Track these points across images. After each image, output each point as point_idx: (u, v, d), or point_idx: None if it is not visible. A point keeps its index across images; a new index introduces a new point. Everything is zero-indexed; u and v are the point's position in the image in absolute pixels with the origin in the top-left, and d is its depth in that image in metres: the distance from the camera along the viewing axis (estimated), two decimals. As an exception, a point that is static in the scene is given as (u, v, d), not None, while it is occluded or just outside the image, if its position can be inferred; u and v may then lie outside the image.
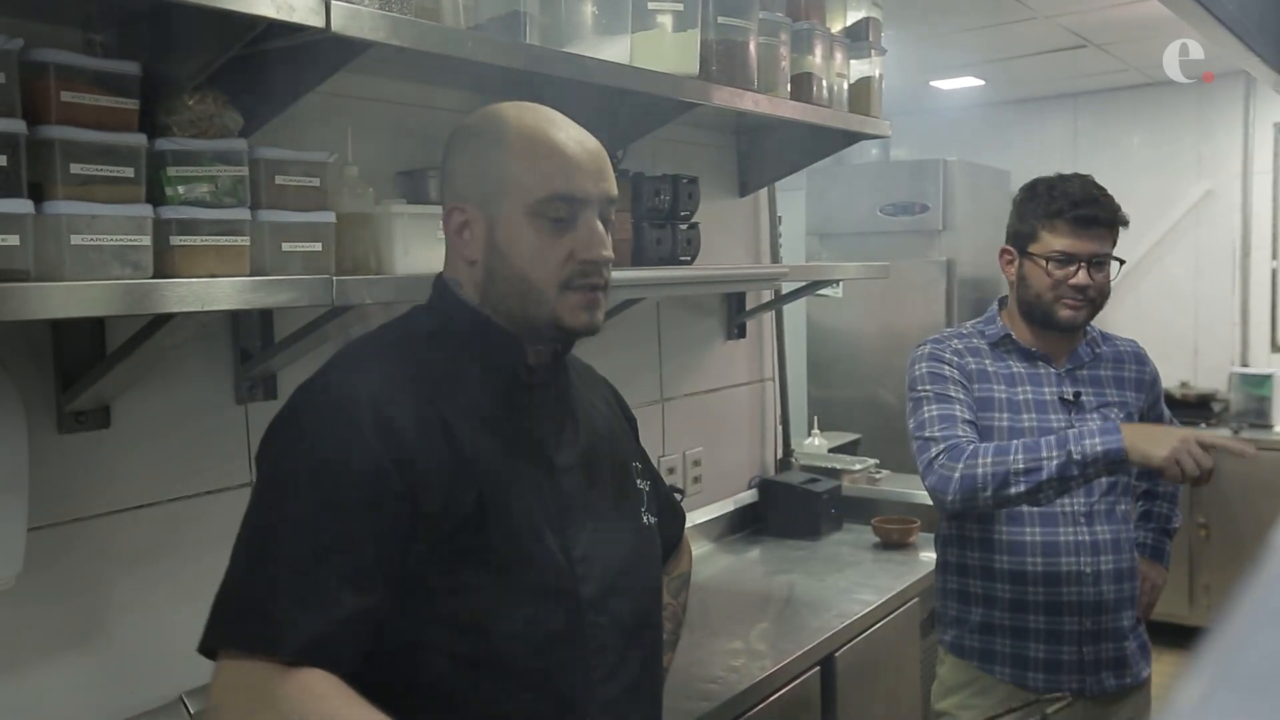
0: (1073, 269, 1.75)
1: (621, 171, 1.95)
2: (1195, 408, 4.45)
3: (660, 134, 1.91)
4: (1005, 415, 1.77)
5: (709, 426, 2.59)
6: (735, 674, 1.83)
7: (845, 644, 2.09)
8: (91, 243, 1.07)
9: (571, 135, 1.11)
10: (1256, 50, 1.97)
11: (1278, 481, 4.11)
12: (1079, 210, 1.75)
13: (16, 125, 1.02)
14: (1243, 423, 4.34)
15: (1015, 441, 1.64)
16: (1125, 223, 1.82)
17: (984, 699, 1.79)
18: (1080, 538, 1.75)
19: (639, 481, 1.24)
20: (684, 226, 1.98)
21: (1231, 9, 1.75)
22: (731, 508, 2.67)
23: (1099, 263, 1.77)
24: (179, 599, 1.46)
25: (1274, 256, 4.63)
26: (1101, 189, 1.83)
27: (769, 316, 2.80)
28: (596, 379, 1.33)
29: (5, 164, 1.00)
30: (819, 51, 2.08)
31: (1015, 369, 1.82)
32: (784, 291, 2.61)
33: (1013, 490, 1.60)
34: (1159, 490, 2.03)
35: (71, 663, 1.36)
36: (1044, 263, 1.76)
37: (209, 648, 0.96)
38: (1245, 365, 4.60)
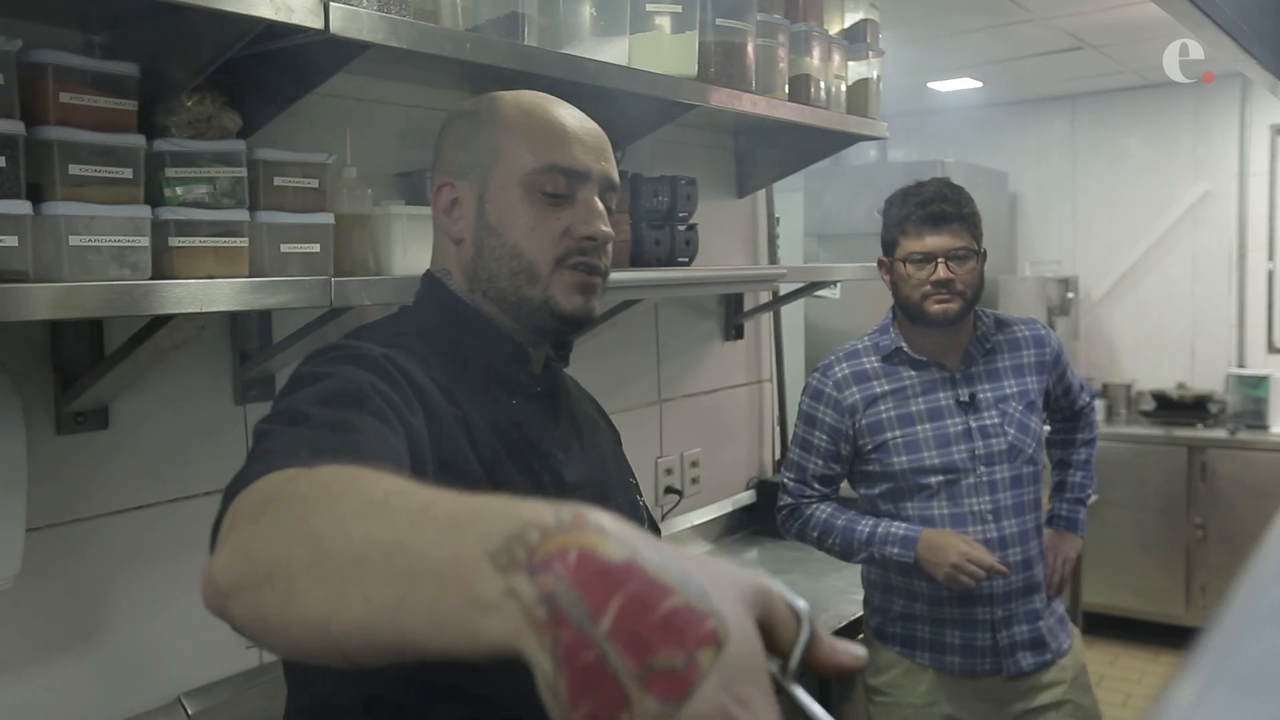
0: (931, 266, 1.83)
1: (620, 173, 1.95)
2: (1192, 409, 4.46)
3: (658, 135, 1.91)
4: (898, 432, 1.86)
5: (707, 427, 2.59)
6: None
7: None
8: (90, 244, 1.07)
9: (572, 112, 1.06)
10: (1252, 53, 1.97)
11: (1274, 482, 4.12)
12: (927, 209, 1.84)
13: (15, 126, 1.02)
14: (1239, 424, 4.35)
15: (839, 523, 1.89)
16: (975, 214, 1.88)
17: (909, 679, 1.91)
18: (988, 535, 1.83)
19: (638, 498, 1.19)
20: (682, 227, 1.98)
21: (1228, 12, 1.75)
22: (729, 508, 2.67)
23: (958, 257, 1.83)
24: (177, 600, 1.46)
25: (1270, 258, 4.64)
26: (953, 187, 1.90)
27: (767, 317, 2.81)
28: (582, 390, 1.27)
29: (4, 165, 1.00)
30: (817, 53, 2.08)
31: (908, 380, 1.90)
32: (782, 293, 2.61)
33: (831, 555, 1.95)
34: (1072, 459, 2.11)
35: (70, 663, 1.36)
36: (905, 265, 1.86)
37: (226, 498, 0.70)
38: (1242, 366, 4.61)
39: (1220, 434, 4.31)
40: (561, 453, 1.05)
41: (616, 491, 1.13)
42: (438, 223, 1.07)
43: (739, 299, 2.63)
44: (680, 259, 1.97)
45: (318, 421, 0.77)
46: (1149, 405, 4.59)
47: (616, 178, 1.08)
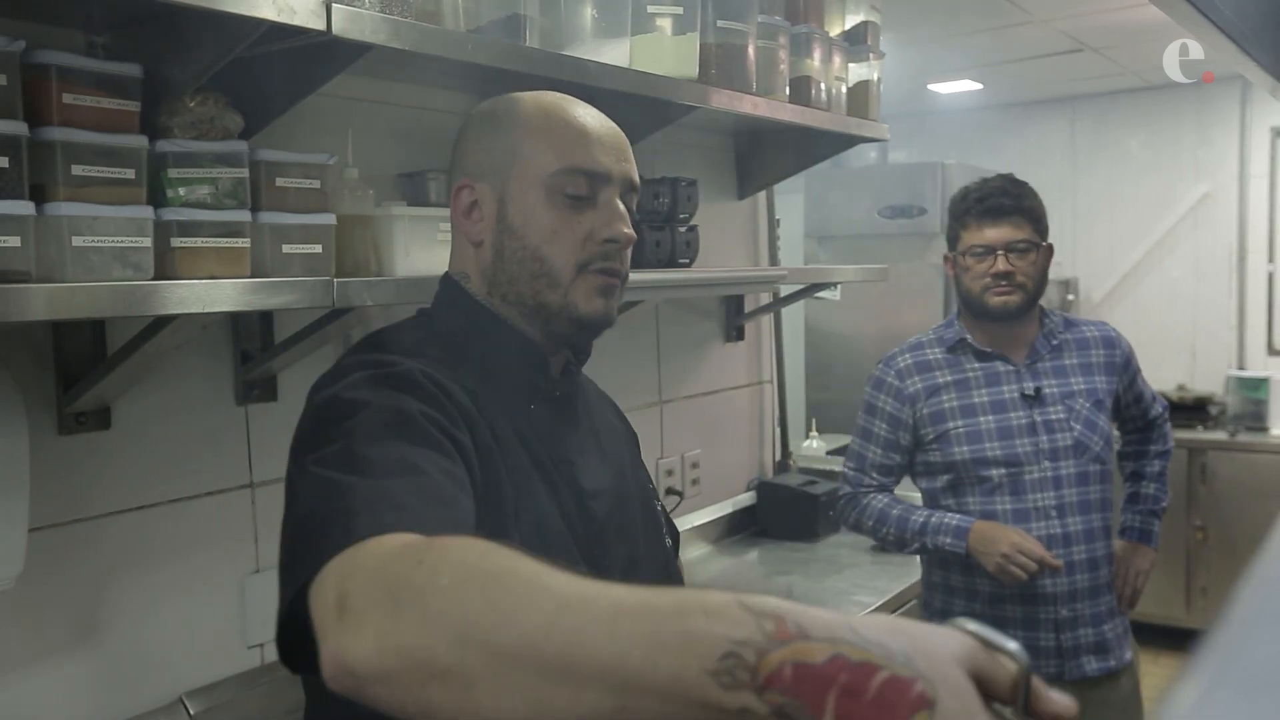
0: (991, 259, 1.84)
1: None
2: (1192, 410, 4.46)
3: (659, 137, 1.91)
4: (960, 422, 1.86)
5: (707, 429, 2.59)
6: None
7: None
8: (92, 244, 1.08)
9: (592, 113, 1.05)
10: (1253, 55, 1.97)
11: (1274, 484, 4.12)
12: (986, 202, 1.86)
13: (18, 127, 1.02)
14: (1239, 425, 4.35)
15: (894, 513, 1.89)
16: (1038, 207, 1.90)
17: None
18: (1052, 531, 1.81)
19: (656, 504, 1.18)
20: (683, 229, 1.98)
21: (1228, 14, 1.75)
22: (730, 510, 2.67)
23: (1018, 249, 1.84)
24: (179, 600, 1.46)
25: (1270, 260, 4.64)
26: (1016, 182, 1.91)
27: (767, 319, 2.81)
28: (601, 393, 1.25)
29: (7, 165, 1.00)
30: (817, 55, 2.09)
31: (971, 372, 1.89)
32: (782, 294, 2.61)
33: (886, 546, 1.98)
34: (1146, 471, 2.08)
35: (72, 663, 1.36)
36: (966, 258, 1.87)
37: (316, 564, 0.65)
38: (1242, 368, 4.61)
39: (1220, 436, 4.31)
40: (579, 459, 1.04)
41: (634, 498, 1.10)
42: (457, 225, 1.05)
43: (739, 300, 2.63)
44: (681, 260, 1.97)
45: (381, 467, 0.74)
46: (1149, 407, 4.59)
47: (637, 179, 1.06)
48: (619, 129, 1.06)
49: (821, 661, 0.49)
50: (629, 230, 1.02)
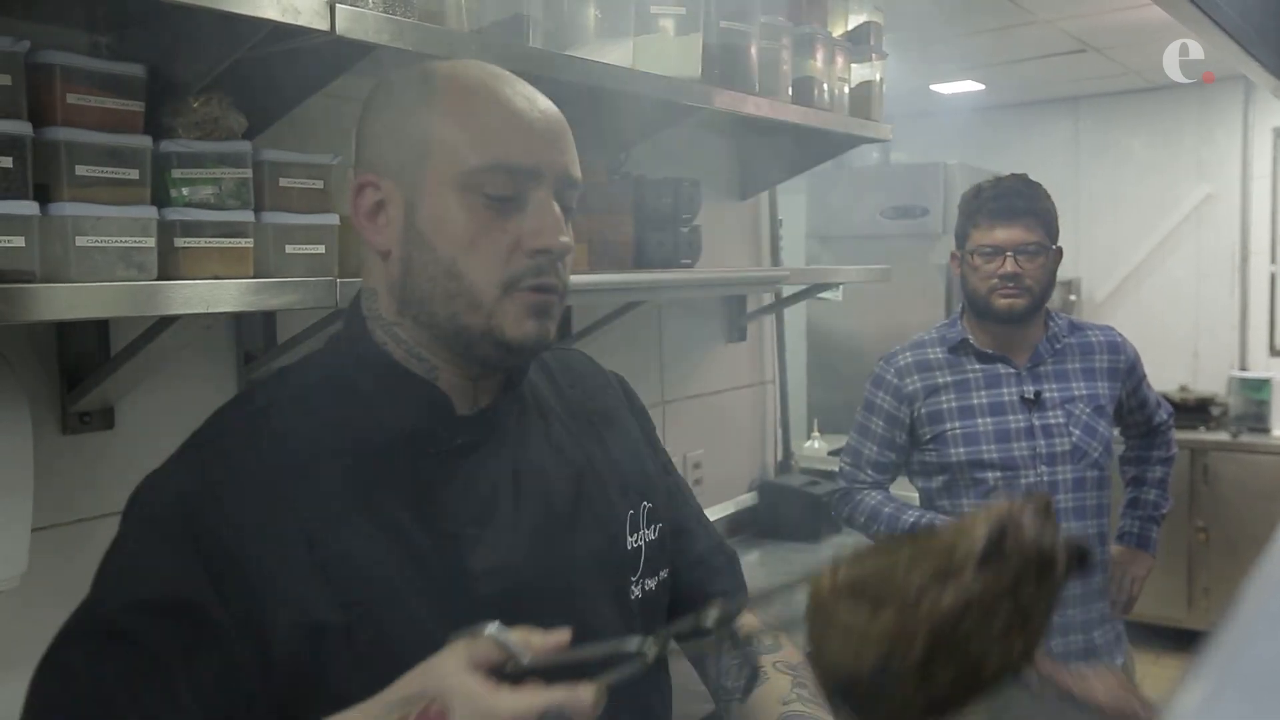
0: (999, 260, 1.82)
1: (623, 174, 1.96)
2: (1194, 411, 4.46)
3: (662, 137, 1.91)
4: (957, 423, 1.85)
5: (709, 429, 2.59)
6: (735, 676, 1.83)
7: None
8: (96, 244, 1.08)
9: (521, 92, 0.85)
10: (1256, 56, 1.97)
11: (1276, 485, 4.12)
12: (998, 202, 1.83)
13: (22, 127, 1.02)
14: (1241, 427, 4.35)
15: (886, 511, 1.89)
16: (1050, 210, 1.88)
17: None
18: None
19: (645, 503, 0.97)
20: (685, 229, 1.98)
21: (1231, 14, 1.75)
22: (732, 510, 2.67)
23: (1028, 252, 1.82)
24: (181, 600, 1.46)
25: (1273, 260, 4.63)
26: (1029, 183, 1.88)
27: (770, 319, 2.81)
28: (596, 386, 1.05)
29: (11, 165, 1.01)
30: (820, 55, 2.09)
31: (972, 373, 1.89)
32: (785, 294, 2.61)
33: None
34: (1147, 476, 2.06)
35: (74, 663, 1.36)
36: (974, 258, 1.85)
37: None
38: (1244, 369, 4.61)
39: (1223, 437, 4.31)
40: (475, 529, 0.84)
41: (564, 547, 0.90)
42: (360, 231, 0.86)
43: (742, 301, 2.63)
44: (683, 261, 1.98)
45: None
46: (1151, 408, 4.59)
47: (577, 170, 0.87)
48: (558, 113, 0.87)
49: None
50: (566, 238, 0.84)
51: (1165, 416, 2.07)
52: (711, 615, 0.74)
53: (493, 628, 0.69)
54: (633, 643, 0.72)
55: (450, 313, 0.83)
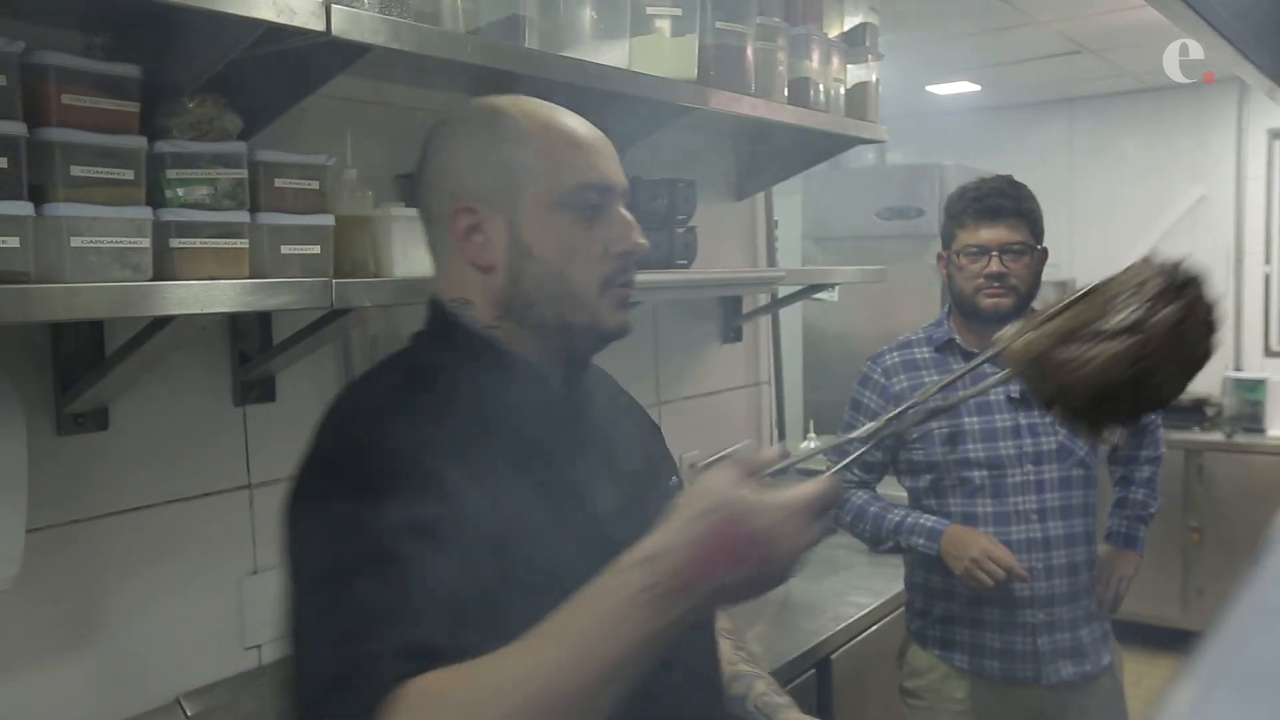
0: (985, 259, 1.84)
1: (619, 175, 1.96)
2: (1189, 412, 4.47)
3: (658, 138, 1.91)
4: (944, 422, 1.86)
5: (705, 430, 2.59)
6: (731, 677, 1.83)
7: (841, 646, 2.09)
8: (91, 245, 1.08)
9: (581, 121, 1.02)
10: (1250, 57, 1.98)
11: (1270, 485, 4.13)
12: (984, 202, 1.85)
13: (17, 128, 1.02)
14: (1236, 427, 4.36)
15: (872, 510, 1.93)
16: (1034, 210, 1.89)
17: (946, 684, 1.89)
18: (1032, 535, 1.82)
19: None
20: (681, 230, 1.98)
21: (1226, 16, 1.76)
22: (727, 511, 2.67)
23: (1013, 251, 1.83)
24: (177, 601, 1.46)
25: (1267, 261, 4.65)
26: (1014, 184, 1.90)
27: (765, 320, 2.81)
28: (618, 391, 1.20)
29: (6, 166, 1.00)
30: (816, 56, 2.09)
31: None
32: (780, 295, 2.61)
33: (862, 542, 2.02)
34: (1135, 476, 2.08)
35: (69, 664, 1.36)
36: (960, 258, 1.86)
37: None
38: (1239, 370, 4.62)
39: (1217, 437, 4.32)
40: (586, 481, 1.00)
41: (649, 506, 1.03)
42: (457, 250, 0.99)
43: (737, 301, 2.63)
44: (679, 261, 1.98)
45: (392, 587, 0.79)
46: (1146, 408, 4.59)
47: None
48: (603, 133, 1.04)
49: (684, 562, 0.72)
50: (643, 240, 1.01)
51: (1153, 416, 2.08)
52: None
53: (742, 445, 0.79)
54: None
55: (557, 312, 0.98)
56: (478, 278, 0.99)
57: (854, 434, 0.93)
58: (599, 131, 1.03)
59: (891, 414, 0.91)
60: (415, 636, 0.77)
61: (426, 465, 0.87)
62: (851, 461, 0.88)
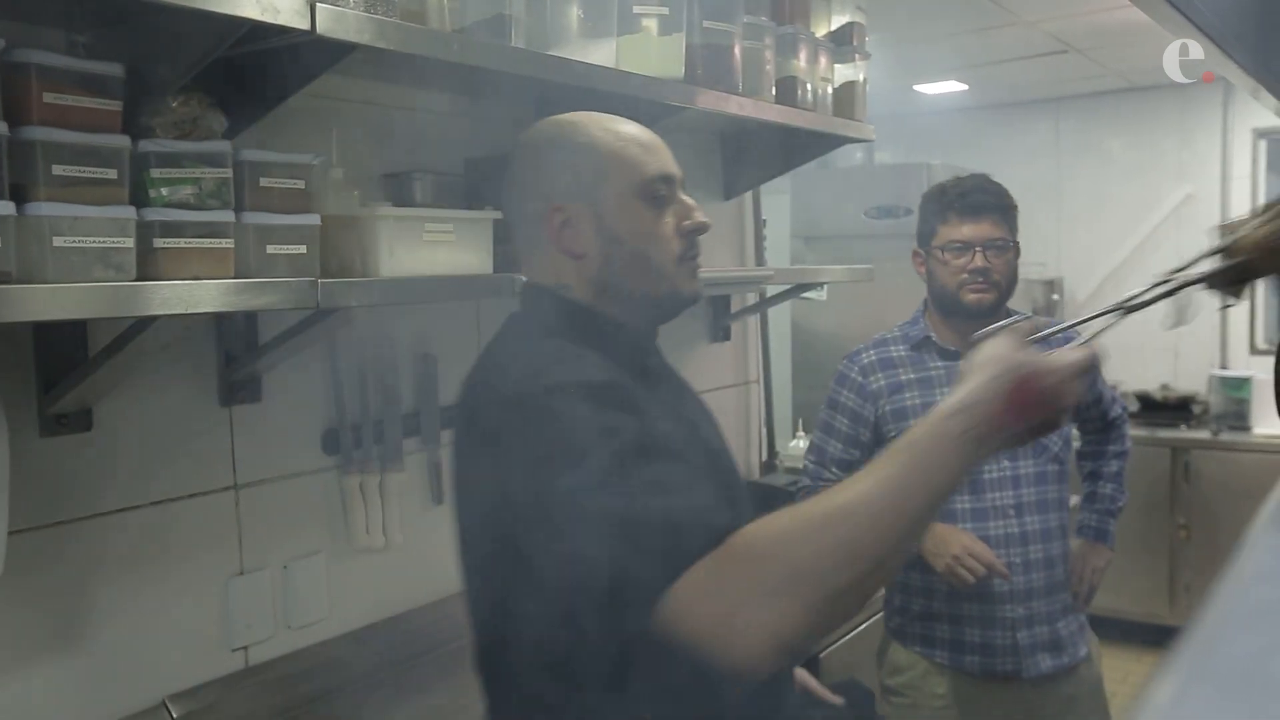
0: (969, 255, 1.85)
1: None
2: (1175, 410, 4.50)
3: (645, 137, 1.91)
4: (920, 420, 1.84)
5: (694, 429, 2.59)
6: (720, 676, 1.83)
7: (831, 645, 2.10)
8: (74, 244, 1.07)
9: (640, 127, 1.20)
10: (1234, 57, 1.99)
11: (1256, 483, 4.15)
12: (967, 199, 1.87)
13: (-2, 126, 1.01)
14: (1222, 425, 4.38)
15: None
16: (1013, 207, 1.91)
17: (926, 680, 1.90)
18: (1009, 530, 1.83)
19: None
20: (669, 229, 1.98)
21: (1210, 16, 1.77)
22: (716, 510, 2.67)
23: (996, 247, 1.85)
24: (163, 602, 1.45)
25: (1253, 260, 4.67)
26: (992, 181, 1.92)
27: (754, 319, 2.81)
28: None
29: (-13, 165, 1.00)
30: (803, 55, 2.09)
31: (934, 370, 1.92)
32: (769, 294, 2.62)
33: None
34: (1103, 471, 2.10)
35: (54, 666, 1.35)
36: (942, 254, 1.88)
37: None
38: (1225, 368, 4.65)
39: (1203, 435, 4.34)
40: (701, 422, 1.22)
41: (724, 439, 1.28)
42: (551, 243, 1.15)
43: (726, 300, 2.63)
44: (667, 261, 1.97)
45: (671, 485, 0.93)
46: (1133, 406, 4.62)
47: None
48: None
49: (994, 411, 0.89)
50: (706, 218, 1.18)
51: (1120, 411, 2.11)
52: None
53: (1018, 318, 0.89)
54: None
55: (644, 285, 1.15)
56: (571, 265, 1.15)
57: (1086, 327, 1.05)
58: (654, 134, 1.19)
59: (1112, 307, 1.08)
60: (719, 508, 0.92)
61: (628, 391, 1.02)
62: (1082, 342, 0.99)
